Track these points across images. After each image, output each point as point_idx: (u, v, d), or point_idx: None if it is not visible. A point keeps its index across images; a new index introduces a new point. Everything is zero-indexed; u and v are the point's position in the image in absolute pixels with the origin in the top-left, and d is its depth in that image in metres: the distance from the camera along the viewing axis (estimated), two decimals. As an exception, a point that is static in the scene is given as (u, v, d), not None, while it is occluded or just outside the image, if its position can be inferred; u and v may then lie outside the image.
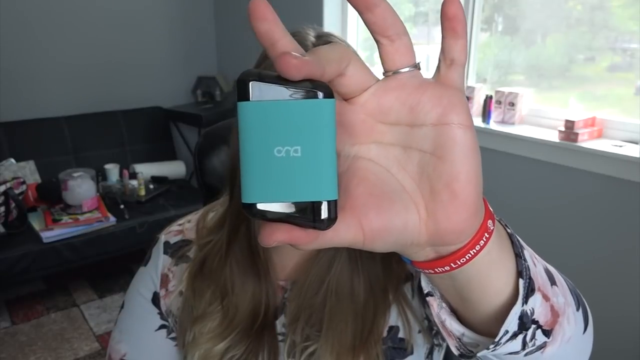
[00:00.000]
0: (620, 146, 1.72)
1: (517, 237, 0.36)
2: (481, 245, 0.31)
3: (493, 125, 2.06)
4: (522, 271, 0.34)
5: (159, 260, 0.73)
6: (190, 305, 0.68)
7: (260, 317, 0.65)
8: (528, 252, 0.37)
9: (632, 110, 1.79)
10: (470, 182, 0.28)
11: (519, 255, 0.35)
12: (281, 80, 0.26)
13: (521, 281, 0.34)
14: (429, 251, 0.31)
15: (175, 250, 0.73)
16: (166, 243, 0.74)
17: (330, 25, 2.65)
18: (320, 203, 0.26)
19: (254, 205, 0.26)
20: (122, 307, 0.75)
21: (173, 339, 0.72)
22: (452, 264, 0.31)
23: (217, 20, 3.47)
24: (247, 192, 0.26)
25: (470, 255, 0.31)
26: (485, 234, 0.31)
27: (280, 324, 0.66)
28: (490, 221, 0.31)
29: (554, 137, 1.85)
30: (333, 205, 0.27)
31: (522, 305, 0.34)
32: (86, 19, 2.99)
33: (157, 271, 0.72)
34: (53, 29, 2.90)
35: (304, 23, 0.62)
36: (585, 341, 0.44)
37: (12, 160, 2.67)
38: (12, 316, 2.49)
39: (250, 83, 0.26)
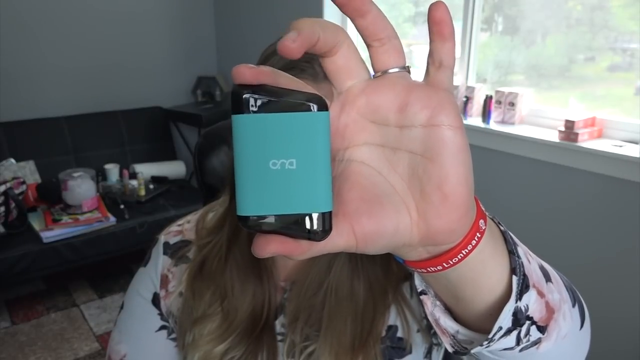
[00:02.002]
0: (620, 146, 1.72)
1: (511, 234, 0.37)
2: (473, 244, 0.31)
3: (493, 125, 2.06)
4: (515, 268, 0.34)
5: (159, 261, 0.73)
6: (189, 306, 0.68)
7: (261, 319, 0.65)
8: (522, 249, 0.37)
9: (632, 110, 1.79)
10: (461, 183, 0.28)
11: (512, 253, 0.35)
12: (275, 93, 0.26)
13: (514, 278, 0.34)
14: (421, 251, 0.32)
15: (175, 251, 0.73)
16: (166, 244, 0.74)
17: (330, 25, 2.65)
18: (315, 215, 0.27)
19: (249, 217, 0.27)
20: (121, 307, 0.74)
21: (173, 339, 0.72)
22: (444, 264, 0.31)
23: (217, 20, 3.47)
24: (243, 205, 0.27)
25: (462, 255, 0.31)
26: (477, 234, 0.31)
27: (279, 324, 0.66)
28: (482, 220, 0.32)
29: (554, 137, 1.85)
30: (328, 217, 0.27)
31: (516, 302, 0.34)
32: (86, 19, 2.99)
33: (157, 272, 0.72)
34: (53, 29, 2.90)
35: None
36: (582, 337, 0.44)
37: (12, 160, 2.67)
38: (12, 316, 2.49)
39: (244, 96, 0.26)
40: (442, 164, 0.28)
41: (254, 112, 0.26)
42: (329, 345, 0.60)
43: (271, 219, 0.26)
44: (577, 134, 1.77)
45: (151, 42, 3.25)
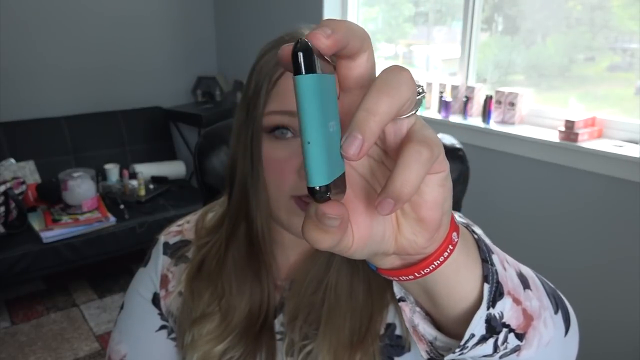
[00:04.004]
0: (621, 146, 1.72)
1: (486, 242, 0.37)
2: (445, 256, 0.31)
3: (493, 125, 2.06)
4: (487, 276, 0.35)
5: (159, 261, 0.73)
6: (188, 306, 0.68)
7: (259, 319, 0.65)
8: (498, 257, 0.37)
9: (632, 110, 1.79)
10: (436, 208, 0.29)
11: (485, 261, 0.35)
12: (319, 54, 0.25)
13: (486, 286, 0.35)
14: (394, 259, 0.32)
15: (174, 251, 0.73)
16: (165, 244, 0.74)
17: (330, 25, 2.65)
18: (343, 175, 0.27)
19: (325, 186, 0.25)
20: (121, 307, 0.74)
21: (173, 339, 0.72)
22: (415, 274, 0.32)
23: (217, 20, 3.47)
24: (319, 174, 0.25)
25: (434, 266, 0.31)
26: (450, 246, 0.32)
27: (278, 322, 0.66)
28: (454, 233, 0.32)
29: (554, 137, 1.85)
30: (343, 178, 0.28)
31: (488, 309, 0.35)
32: (86, 19, 2.99)
33: (156, 272, 0.72)
34: (53, 29, 2.90)
35: (304, 23, 0.62)
36: (568, 344, 0.44)
37: (12, 160, 2.67)
38: (12, 316, 2.49)
39: (312, 56, 0.24)
40: (420, 193, 0.29)
41: (316, 72, 0.24)
42: (327, 342, 0.60)
43: (331, 185, 0.25)
44: (577, 134, 1.77)
45: (151, 42, 3.25)
